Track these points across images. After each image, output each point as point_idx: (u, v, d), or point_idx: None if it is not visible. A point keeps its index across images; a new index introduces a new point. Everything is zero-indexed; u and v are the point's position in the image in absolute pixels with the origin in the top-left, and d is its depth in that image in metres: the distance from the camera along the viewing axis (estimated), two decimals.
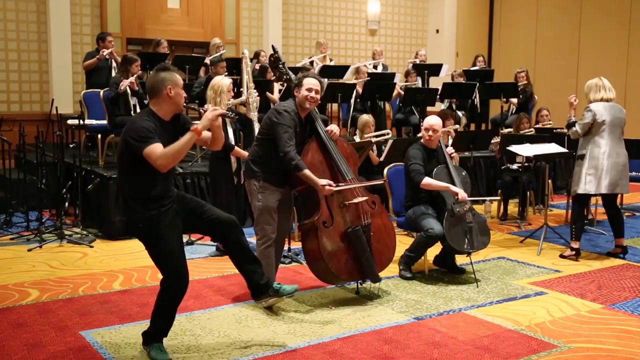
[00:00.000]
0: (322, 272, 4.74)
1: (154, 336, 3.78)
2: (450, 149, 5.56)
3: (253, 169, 4.62)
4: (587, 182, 5.91)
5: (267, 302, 4.19)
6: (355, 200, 4.72)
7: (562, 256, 6.09)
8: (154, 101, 3.66)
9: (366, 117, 7.24)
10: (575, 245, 6.04)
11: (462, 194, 5.20)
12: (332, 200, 4.66)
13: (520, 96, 9.85)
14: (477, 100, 9.96)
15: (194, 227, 3.97)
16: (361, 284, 5.03)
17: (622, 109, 6.04)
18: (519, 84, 9.81)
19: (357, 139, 7.19)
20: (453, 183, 5.32)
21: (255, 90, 6.18)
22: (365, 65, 9.98)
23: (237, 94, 6.69)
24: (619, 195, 6.46)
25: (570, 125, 6.10)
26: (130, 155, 3.55)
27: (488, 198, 7.62)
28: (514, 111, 10.02)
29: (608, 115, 5.89)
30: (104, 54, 8.49)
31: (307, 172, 4.48)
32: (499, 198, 7.79)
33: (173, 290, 3.69)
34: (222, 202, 6.05)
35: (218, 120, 3.70)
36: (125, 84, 7.19)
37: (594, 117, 5.88)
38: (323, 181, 4.51)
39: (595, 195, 6.12)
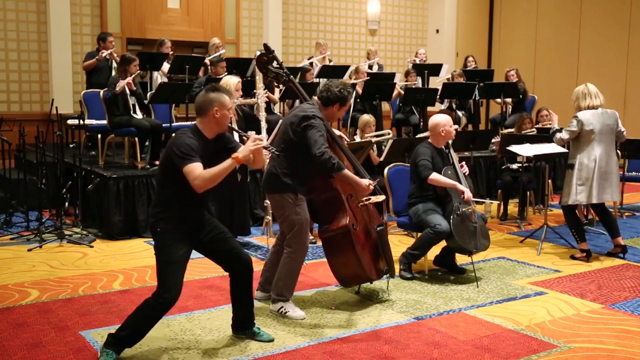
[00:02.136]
0: (351, 275, 4.68)
1: (118, 342, 3.69)
2: (465, 169, 5.54)
3: (285, 182, 4.35)
4: (579, 193, 5.92)
5: (240, 335, 4.09)
6: (373, 200, 4.68)
7: (573, 257, 6.09)
8: (200, 120, 3.75)
9: (367, 117, 7.25)
10: (583, 247, 6.04)
11: (468, 193, 5.21)
12: (352, 202, 4.62)
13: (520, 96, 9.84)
14: (471, 101, 9.97)
15: (210, 253, 3.92)
16: (371, 283, 5.05)
17: (612, 114, 5.99)
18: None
19: (357, 138, 7.20)
20: (460, 182, 5.33)
21: (264, 91, 6.15)
22: (362, 65, 9.99)
23: (251, 95, 6.68)
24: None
25: (554, 132, 6.12)
26: (172, 166, 3.63)
27: (489, 201, 7.61)
28: (510, 111, 10.01)
29: (597, 124, 5.87)
30: (103, 55, 8.49)
31: (346, 172, 4.38)
32: (496, 202, 7.78)
33: (159, 302, 3.65)
34: (225, 199, 6.05)
35: (259, 148, 3.71)
36: (122, 84, 7.18)
37: (581, 126, 5.86)
38: (365, 181, 4.45)
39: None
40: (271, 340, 4.00)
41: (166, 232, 3.69)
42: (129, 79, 7.25)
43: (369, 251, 4.69)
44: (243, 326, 4.05)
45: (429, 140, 5.50)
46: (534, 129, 7.96)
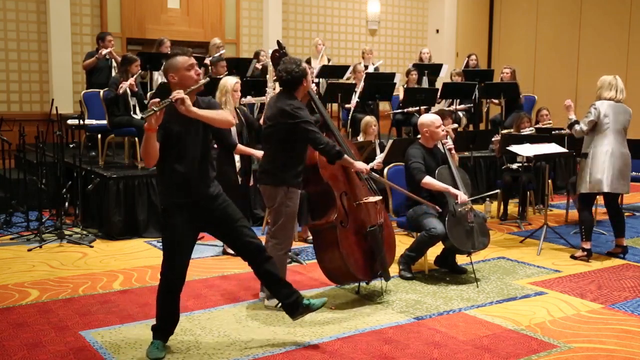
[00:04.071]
0: (336, 272, 4.71)
1: (158, 331, 3.83)
2: (449, 144, 5.53)
3: (280, 176, 4.38)
4: (592, 182, 5.90)
5: (300, 317, 4.05)
6: (371, 200, 4.72)
7: (573, 257, 6.08)
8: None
9: (368, 118, 7.27)
10: (586, 245, 6.02)
11: (462, 197, 5.19)
12: (347, 200, 4.64)
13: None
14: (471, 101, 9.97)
15: (222, 238, 3.99)
16: (367, 284, 5.04)
17: (628, 109, 6.02)
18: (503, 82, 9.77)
19: (360, 139, 7.22)
20: (455, 182, 5.32)
21: (274, 90, 6.13)
22: (360, 65, 10.00)
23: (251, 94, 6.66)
24: (620, 195, 6.45)
25: (572, 124, 6.10)
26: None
27: (487, 194, 7.53)
28: (504, 111, 9.94)
29: (612, 115, 5.88)
30: (103, 53, 8.48)
31: (347, 157, 4.49)
32: (498, 191, 7.67)
33: (164, 281, 3.75)
34: None
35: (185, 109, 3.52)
36: (124, 86, 7.18)
37: (598, 114, 5.87)
38: (360, 163, 4.57)
39: (599, 194, 6.11)
40: (324, 303, 4.03)
41: (168, 209, 3.71)
42: (132, 80, 7.23)
43: (360, 251, 4.67)
44: (293, 306, 3.96)
45: (420, 140, 5.50)
46: (533, 129, 7.95)
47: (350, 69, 9.95)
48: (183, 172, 3.66)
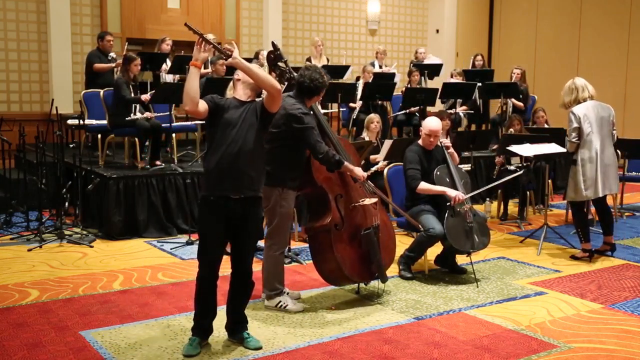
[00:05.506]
0: (332, 274, 4.70)
1: (196, 326, 3.88)
2: (446, 141, 5.53)
3: (276, 177, 4.37)
4: (586, 189, 5.88)
5: (230, 341, 4.04)
6: (367, 202, 4.70)
7: (574, 257, 6.07)
8: None
9: (371, 115, 7.38)
10: (587, 247, 6.02)
11: (459, 197, 5.17)
12: (342, 202, 4.62)
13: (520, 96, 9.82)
14: (479, 101, 9.96)
15: (231, 240, 3.95)
16: (365, 285, 5.03)
17: (607, 107, 5.99)
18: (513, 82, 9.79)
19: (365, 136, 7.27)
20: (454, 182, 5.32)
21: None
22: (369, 66, 10.03)
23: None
24: (617, 195, 6.46)
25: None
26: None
27: (501, 181, 7.33)
28: (510, 112, 9.97)
29: (592, 115, 5.85)
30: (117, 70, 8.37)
31: (347, 164, 4.50)
32: (510, 176, 7.49)
33: (197, 275, 3.82)
34: None
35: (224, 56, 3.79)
36: (139, 116, 7.23)
37: (579, 119, 5.84)
38: (358, 170, 4.56)
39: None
40: (259, 348, 3.90)
41: (202, 200, 3.83)
42: (148, 115, 7.37)
43: (355, 254, 4.65)
44: (233, 330, 4.02)
45: (419, 142, 5.50)
46: (524, 129, 7.94)
47: (350, 69, 9.95)
48: (226, 161, 3.72)
